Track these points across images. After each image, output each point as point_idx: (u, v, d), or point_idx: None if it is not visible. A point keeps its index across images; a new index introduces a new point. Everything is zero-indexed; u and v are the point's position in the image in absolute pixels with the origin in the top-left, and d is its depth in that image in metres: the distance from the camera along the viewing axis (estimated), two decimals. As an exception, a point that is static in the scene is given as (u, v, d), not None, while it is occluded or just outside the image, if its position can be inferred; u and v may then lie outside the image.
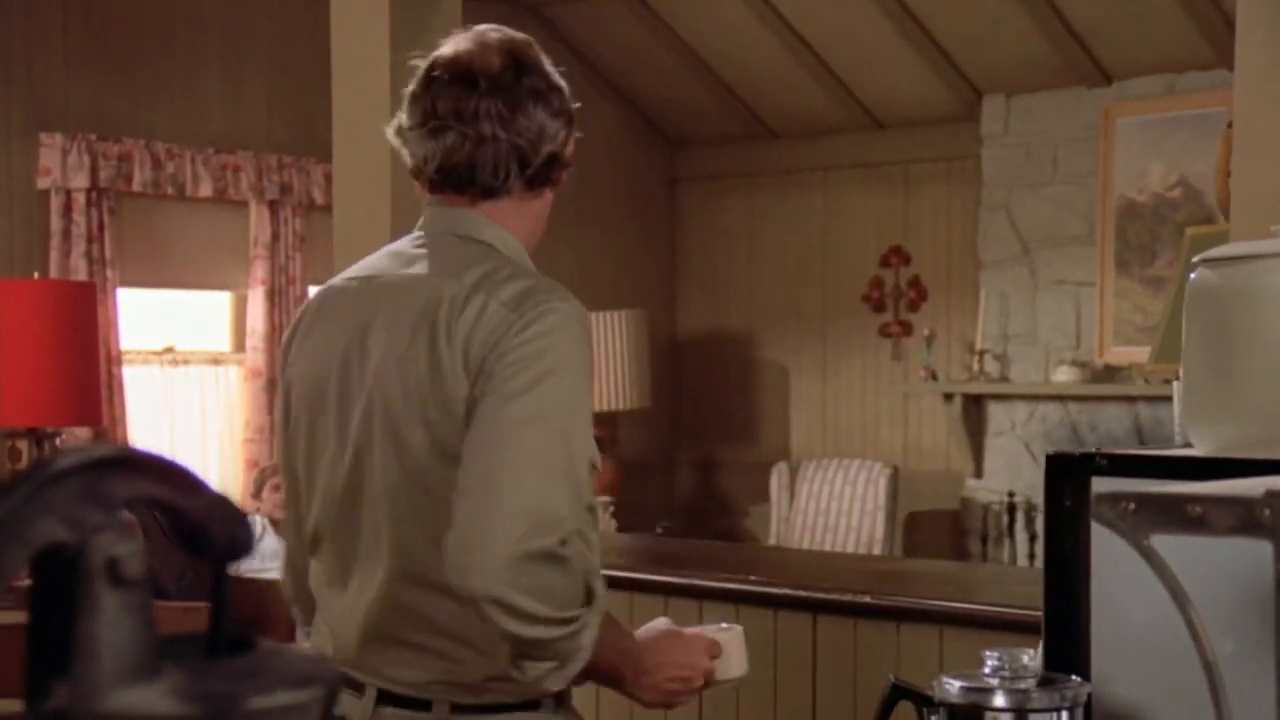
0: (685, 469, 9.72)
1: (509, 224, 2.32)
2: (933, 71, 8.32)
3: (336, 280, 2.44)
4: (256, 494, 7.20)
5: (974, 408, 8.27)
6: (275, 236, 7.72)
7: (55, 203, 7.04)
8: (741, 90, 9.13)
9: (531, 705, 2.25)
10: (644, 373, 8.76)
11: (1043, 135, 8.17)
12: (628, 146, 9.49)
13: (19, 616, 6.02)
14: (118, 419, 7.15)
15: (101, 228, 7.10)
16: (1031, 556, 7.94)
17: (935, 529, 8.57)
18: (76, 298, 6.41)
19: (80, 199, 7.06)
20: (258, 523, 7.00)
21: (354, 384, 2.28)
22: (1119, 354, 7.85)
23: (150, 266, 7.39)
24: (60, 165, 7.03)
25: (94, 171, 7.08)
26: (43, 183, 7.03)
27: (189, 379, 7.58)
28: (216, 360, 7.70)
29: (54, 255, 7.02)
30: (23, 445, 6.36)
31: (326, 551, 2.36)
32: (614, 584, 2.37)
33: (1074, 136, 8.06)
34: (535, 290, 2.20)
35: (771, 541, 8.44)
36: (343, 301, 2.36)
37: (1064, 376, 7.89)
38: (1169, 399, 7.72)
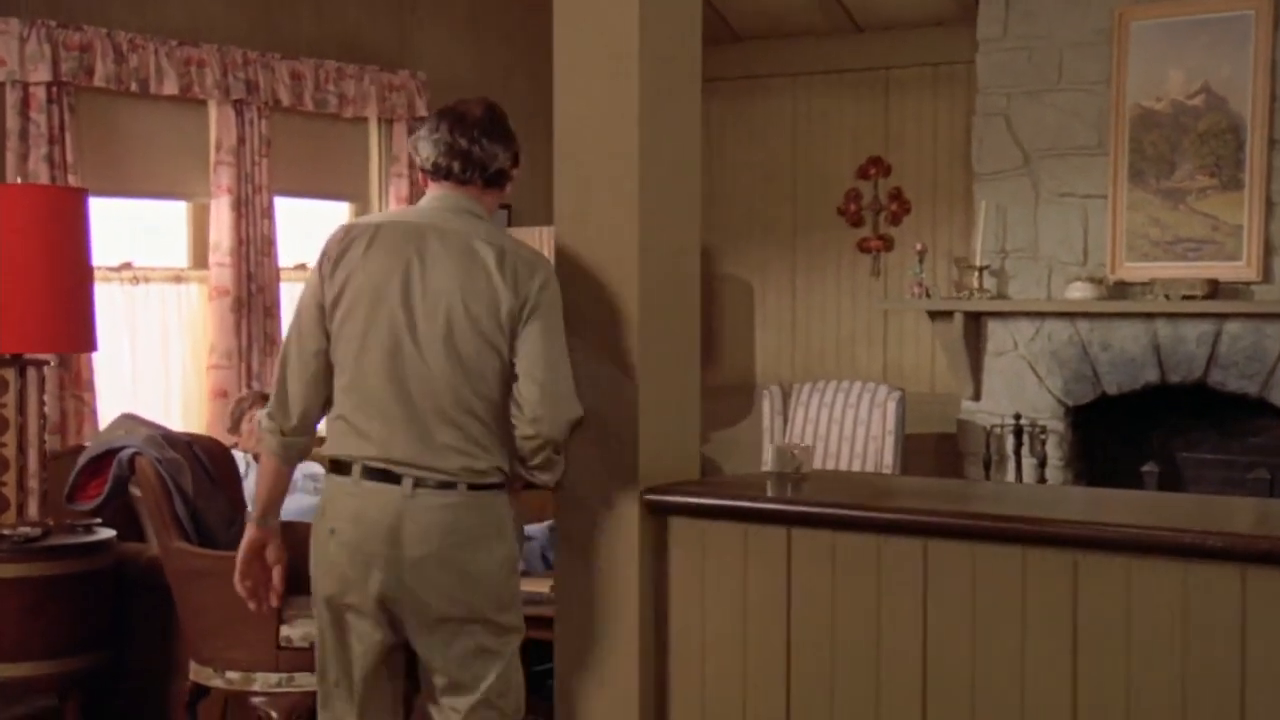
0: (635, 393, 9.15)
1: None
2: (927, -30, 7.87)
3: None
4: (234, 428, 6.43)
5: (972, 326, 7.87)
6: (240, 140, 6.94)
7: (12, 97, 6.18)
8: (704, -11, 8.53)
9: None
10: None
11: (1046, 40, 7.76)
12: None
13: (16, 570, 5.24)
14: (80, 344, 6.33)
15: (63, 127, 6.26)
16: (1043, 480, 7.61)
17: (924, 452, 8.18)
18: (66, 206, 5.58)
19: (40, 94, 6.20)
20: (240, 459, 6.25)
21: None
22: (1133, 270, 7.52)
23: (110, 173, 6.56)
24: (18, 55, 6.17)
25: (55, 63, 6.22)
26: (-2, 75, 6.16)
27: (149, 298, 6.78)
28: (179, 278, 6.90)
29: (11, 159, 6.16)
30: (9, 374, 5.54)
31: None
32: None
33: (1081, 41, 7.67)
34: None
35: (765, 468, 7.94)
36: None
37: (1077, 294, 7.53)
38: (1190, 316, 7.39)
